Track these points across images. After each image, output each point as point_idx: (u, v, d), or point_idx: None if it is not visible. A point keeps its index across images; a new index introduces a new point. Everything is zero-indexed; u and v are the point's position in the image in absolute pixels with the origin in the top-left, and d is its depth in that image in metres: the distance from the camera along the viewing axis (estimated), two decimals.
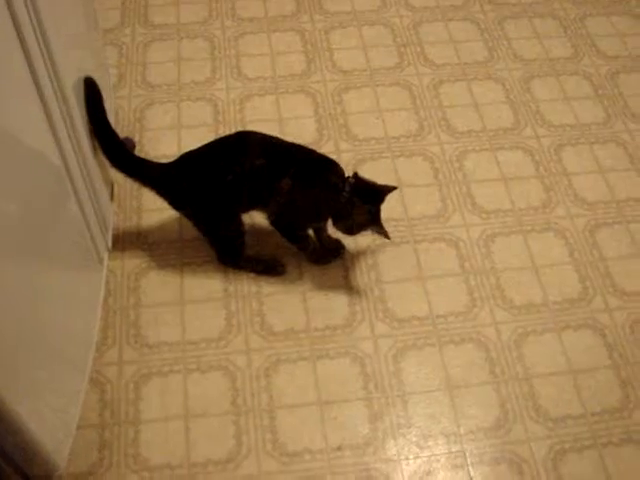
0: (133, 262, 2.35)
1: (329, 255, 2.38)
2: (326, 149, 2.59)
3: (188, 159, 2.19)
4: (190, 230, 2.32)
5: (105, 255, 2.26)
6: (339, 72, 2.91)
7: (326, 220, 2.27)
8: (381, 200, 2.19)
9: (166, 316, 2.24)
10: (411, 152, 2.67)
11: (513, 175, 2.65)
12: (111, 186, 2.38)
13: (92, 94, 2.05)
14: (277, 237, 2.30)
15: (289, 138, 2.23)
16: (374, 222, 2.18)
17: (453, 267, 2.41)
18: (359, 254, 2.38)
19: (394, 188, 2.22)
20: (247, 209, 2.23)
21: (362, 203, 2.15)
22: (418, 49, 3.01)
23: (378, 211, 2.18)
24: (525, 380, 2.18)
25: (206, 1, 3.14)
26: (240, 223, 2.25)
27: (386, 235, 2.17)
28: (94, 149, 2.09)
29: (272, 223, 2.25)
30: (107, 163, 2.18)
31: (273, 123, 2.71)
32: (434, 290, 2.35)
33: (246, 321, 2.25)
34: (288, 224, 2.27)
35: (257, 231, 2.38)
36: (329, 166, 2.20)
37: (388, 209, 2.25)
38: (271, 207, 2.20)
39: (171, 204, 2.23)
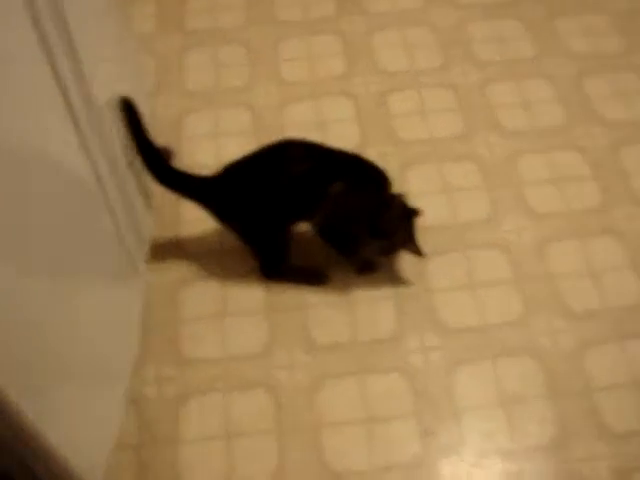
0: (173, 274, 2.26)
1: (372, 265, 2.28)
2: (370, 153, 2.46)
3: (231, 170, 2.10)
4: (230, 240, 2.23)
5: (143, 268, 2.19)
6: (381, 74, 2.80)
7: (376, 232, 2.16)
8: (413, 219, 2.12)
9: (207, 330, 2.15)
10: (458, 155, 2.55)
11: (566, 176, 2.51)
12: (149, 197, 2.31)
13: (131, 114, 2.01)
14: (321, 246, 2.20)
15: (331, 143, 2.13)
16: (411, 241, 2.11)
17: (505, 274, 2.28)
18: (406, 262, 2.26)
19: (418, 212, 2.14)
20: (295, 219, 2.13)
21: (406, 222, 2.10)
22: (464, 48, 2.89)
23: (414, 229, 2.12)
24: (585, 396, 2.04)
25: (243, 6, 3.05)
26: (287, 234, 2.15)
27: (420, 253, 2.12)
28: (130, 161, 2.03)
29: (319, 233, 2.16)
30: (146, 175, 2.12)
31: (314, 128, 2.61)
32: (486, 299, 2.23)
33: (289, 334, 2.15)
34: (336, 233, 2.16)
35: (300, 239, 2.26)
36: (380, 175, 2.11)
37: (435, 216, 2.14)
38: (318, 216, 2.10)
39: (215, 217, 2.15)
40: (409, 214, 2.11)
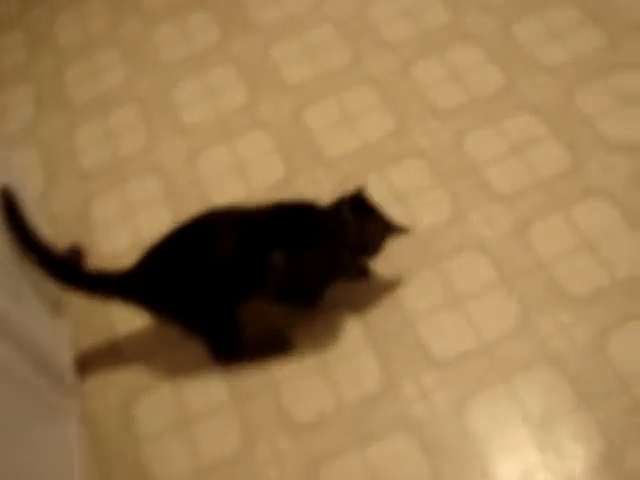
0: (116, 390, 1.92)
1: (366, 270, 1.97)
2: (302, 183, 2.16)
3: (153, 257, 1.77)
4: (172, 332, 1.90)
5: (74, 392, 1.87)
6: (289, 90, 2.46)
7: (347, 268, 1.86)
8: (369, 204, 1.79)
9: (172, 444, 1.81)
10: (399, 154, 2.21)
11: (524, 142, 2.17)
12: (58, 306, 1.97)
13: (11, 210, 1.74)
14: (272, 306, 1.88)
15: (255, 183, 1.81)
16: (390, 228, 1.79)
17: (489, 276, 1.94)
18: (377, 295, 1.93)
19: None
20: (239, 299, 1.79)
21: (369, 216, 1.78)
22: (372, 34, 2.55)
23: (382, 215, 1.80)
24: (623, 393, 1.71)
25: (122, 58, 2.71)
26: (235, 316, 1.81)
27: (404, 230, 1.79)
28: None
29: (279, 302, 1.84)
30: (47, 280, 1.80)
31: (233, 172, 2.27)
32: (476, 312, 1.89)
33: (266, 422, 1.81)
34: (300, 295, 1.85)
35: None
36: (315, 210, 1.78)
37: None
38: (269, 290, 1.77)
39: (149, 311, 1.82)
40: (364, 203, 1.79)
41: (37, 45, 2.85)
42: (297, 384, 1.83)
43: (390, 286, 1.92)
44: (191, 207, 1.91)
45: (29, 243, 1.76)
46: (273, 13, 2.69)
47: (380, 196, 2.00)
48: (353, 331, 1.89)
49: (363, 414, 1.76)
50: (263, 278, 1.71)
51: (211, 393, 1.86)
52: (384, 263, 1.92)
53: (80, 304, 1.99)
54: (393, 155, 2.21)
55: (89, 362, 1.97)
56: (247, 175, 2.24)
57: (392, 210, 1.92)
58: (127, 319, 1.98)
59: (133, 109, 2.53)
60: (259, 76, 2.52)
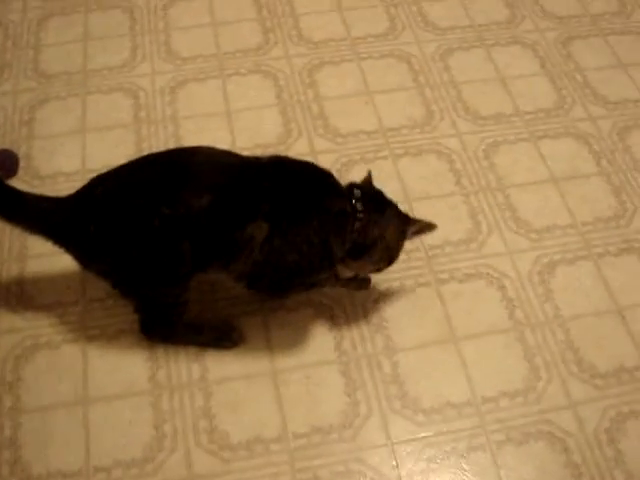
0: (11, 340, 1.49)
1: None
2: (296, 150, 1.76)
3: (98, 189, 1.34)
4: (98, 286, 1.49)
5: None
6: (308, 44, 2.06)
7: (335, 264, 1.43)
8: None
9: (62, 434, 1.40)
10: (419, 148, 1.85)
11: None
12: None
13: None
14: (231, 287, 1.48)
15: (243, 139, 1.42)
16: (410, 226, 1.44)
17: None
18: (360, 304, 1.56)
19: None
20: (198, 269, 1.36)
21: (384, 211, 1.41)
22: (414, 9, 2.18)
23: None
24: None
25: None
26: (183, 288, 1.39)
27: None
28: None
29: (241, 282, 1.42)
30: None
31: (218, 118, 1.86)
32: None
33: (186, 429, 1.40)
34: (275, 285, 1.43)
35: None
36: (320, 182, 1.38)
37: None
38: (237, 267, 1.35)
39: (74, 257, 1.38)
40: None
41: None
42: (236, 389, 1.43)
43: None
44: (160, 145, 1.51)
45: None
46: None
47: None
48: (319, 338, 1.50)
49: (310, 448, 1.37)
50: (234, 251, 1.31)
51: (125, 371, 1.45)
52: None
53: None
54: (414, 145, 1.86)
55: None
56: (236, 125, 1.83)
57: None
58: (47, 254, 1.55)
59: (121, 16, 2.10)
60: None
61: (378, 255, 1.41)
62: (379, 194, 1.42)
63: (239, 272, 1.36)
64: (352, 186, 1.39)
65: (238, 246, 1.29)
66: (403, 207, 1.43)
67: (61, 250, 1.35)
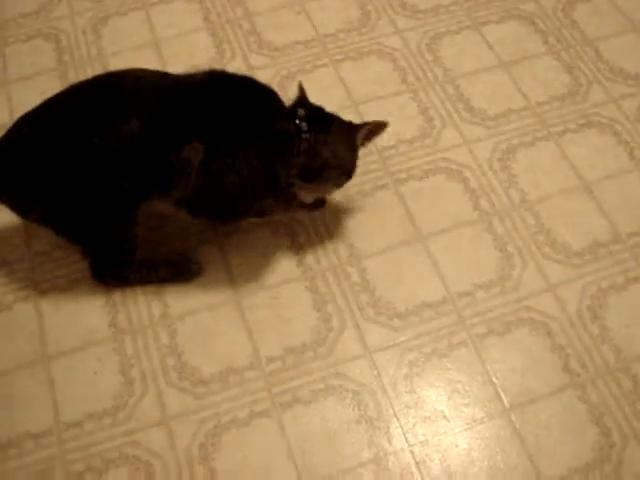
0: None
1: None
2: (232, 69, 1.63)
3: (23, 129, 1.22)
4: (43, 239, 1.38)
5: None
6: None
7: (279, 190, 1.30)
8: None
9: (26, 395, 1.28)
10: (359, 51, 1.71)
11: None
12: None
13: None
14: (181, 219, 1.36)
15: (174, 65, 1.29)
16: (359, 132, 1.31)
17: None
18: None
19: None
20: (135, 200, 1.23)
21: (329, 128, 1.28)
22: None
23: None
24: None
25: None
26: (130, 222, 1.27)
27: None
28: None
29: (190, 215, 1.30)
30: None
31: (147, 50, 1.70)
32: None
33: (155, 370, 1.29)
34: (218, 212, 1.31)
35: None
36: (260, 100, 1.25)
37: None
38: (177, 193, 1.23)
39: (10, 207, 1.26)
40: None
41: None
42: (201, 322, 1.32)
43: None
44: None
45: None
46: None
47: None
48: (285, 258, 1.40)
49: (283, 371, 1.28)
50: (172, 176, 1.19)
51: (83, 321, 1.33)
52: None
53: None
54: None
55: None
56: (166, 54, 1.68)
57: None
58: None
59: None
60: None
61: (334, 174, 1.30)
62: (321, 110, 1.29)
63: (181, 199, 1.24)
64: (295, 105, 1.26)
65: (175, 171, 1.17)
66: (350, 113, 1.32)
67: None
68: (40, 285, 1.39)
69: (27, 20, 1.79)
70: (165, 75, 1.25)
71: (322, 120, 1.26)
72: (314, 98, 1.30)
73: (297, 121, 1.22)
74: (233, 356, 1.30)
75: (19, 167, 1.20)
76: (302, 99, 1.27)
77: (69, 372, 1.29)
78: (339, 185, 1.33)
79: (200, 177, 1.19)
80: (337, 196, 1.45)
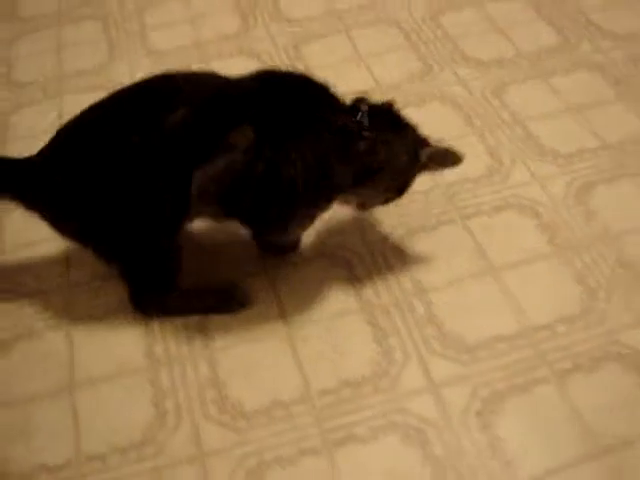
0: None
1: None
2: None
3: (61, 134, 1.16)
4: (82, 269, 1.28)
5: None
6: (290, 21, 1.86)
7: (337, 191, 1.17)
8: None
9: (46, 425, 1.13)
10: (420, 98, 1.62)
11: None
12: None
13: None
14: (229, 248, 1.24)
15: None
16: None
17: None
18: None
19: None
20: (179, 207, 1.11)
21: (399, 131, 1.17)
22: None
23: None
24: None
25: None
26: (174, 241, 1.16)
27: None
28: None
29: (236, 218, 1.18)
30: None
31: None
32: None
33: (191, 402, 1.13)
34: (278, 216, 1.16)
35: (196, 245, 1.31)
36: (317, 92, 1.15)
37: None
38: (222, 185, 1.11)
39: (48, 220, 1.17)
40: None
41: None
42: (247, 355, 1.17)
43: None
44: None
45: None
46: None
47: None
48: (339, 289, 1.25)
49: (334, 406, 1.11)
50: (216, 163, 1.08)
51: (117, 349, 1.19)
52: None
53: None
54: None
55: None
56: None
57: None
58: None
59: (96, 25, 1.94)
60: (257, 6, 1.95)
61: (386, 181, 1.18)
62: (393, 112, 1.18)
63: (228, 203, 1.12)
64: (359, 100, 1.17)
65: (220, 154, 1.07)
66: None
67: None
68: (74, 314, 1.26)
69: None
70: (218, 75, 1.17)
71: (389, 120, 1.15)
72: None
73: (358, 116, 1.12)
74: (280, 389, 1.13)
75: (56, 173, 1.12)
76: (364, 98, 1.17)
77: (96, 402, 1.14)
78: (387, 199, 1.21)
79: (248, 168, 1.09)
80: (399, 230, 1.33)
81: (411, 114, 1.21)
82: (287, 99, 1.11)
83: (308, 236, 1.32)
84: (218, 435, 1.09)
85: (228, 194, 1.10)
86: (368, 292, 1.24)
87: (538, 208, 1.35)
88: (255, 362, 1.17)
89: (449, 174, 1.37)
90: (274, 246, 1.29)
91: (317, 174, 1.11)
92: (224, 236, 1.30)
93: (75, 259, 1.33)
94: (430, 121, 1.53)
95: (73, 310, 1.27)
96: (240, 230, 1.21)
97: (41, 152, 1.16)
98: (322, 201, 1.16)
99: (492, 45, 1.74)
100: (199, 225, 1.26)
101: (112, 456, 1.08)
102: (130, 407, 1.13)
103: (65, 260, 1.34)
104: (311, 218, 1.20)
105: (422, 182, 1.38)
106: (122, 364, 1.18)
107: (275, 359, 1.17)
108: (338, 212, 1.35)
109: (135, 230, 1.13)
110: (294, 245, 1.30)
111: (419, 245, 1.31)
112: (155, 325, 1.23)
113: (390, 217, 1.35)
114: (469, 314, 1.20)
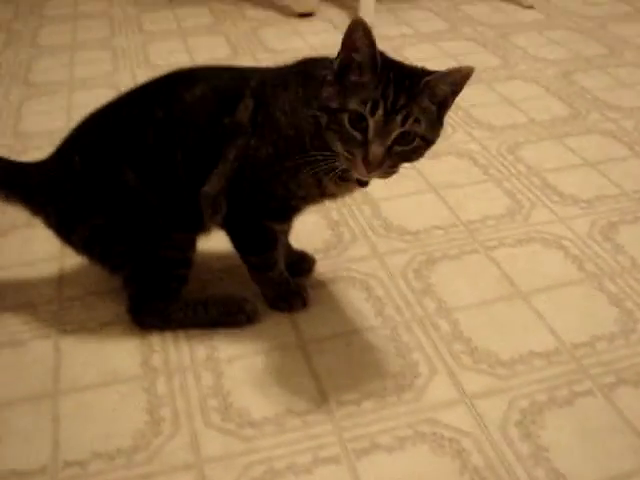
0: None
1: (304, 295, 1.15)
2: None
3: (76, 128, 1.09)
4: (76, 284, 1.15)
5: None
6: None
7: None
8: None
9: (22, 431, 0.95)
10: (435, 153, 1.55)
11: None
12: None
13: None
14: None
15: None
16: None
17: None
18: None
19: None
20: (196, 211, 1.02)
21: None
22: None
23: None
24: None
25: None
26: (189, 250, 1.08)
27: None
28: None
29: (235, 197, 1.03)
30: None
31: None
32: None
33: (191, 410, 0.97)
34: (254, 193, 1.01)
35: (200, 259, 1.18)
36: (318, 61, 1.02)
37: None
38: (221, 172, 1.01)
39: (52, 221, 1.08)
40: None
41: None
42: (255, 366, 1.02)
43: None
44: None
45: None
46: None
47: None
48: (355, 308, 1.12)
49: (351, 415, 0.95)
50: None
51: (112, 358, 1.04)
52: None
53: None
54: None
55: None
56: None
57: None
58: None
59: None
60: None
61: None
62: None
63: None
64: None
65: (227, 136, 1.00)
66: (428, 194, 1.16)
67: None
68: (65, 326, 1.11)
69: None
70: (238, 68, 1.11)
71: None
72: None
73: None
74: (294, 399, 0.97)
75: (74, 157, 1.04)
76: None
77: (81, 408, 0.97)
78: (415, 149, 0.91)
79: (246, 139, 0.99)
80: (419, 257, 1.22)
81: (425, 165, 1.11)
82: (290, 66, 1.03)
83: (322, 263, 1.21)
84: (220, 443, 0.92)
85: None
86: (389, 310, 1.12)
87: (563, 242, 1.25)
88: (264, 373, 1.02)
89: (469, 213, 1.30)
90: (282, 300, 1.16)
91: (300, 128, 0.97)
92: (237, 257, 1.19)
93: (69, 278, 1.20)
94: (445, 171, 1.49)
95: (63, 322, 1.12)
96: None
97: (50, 156, 1.09)
98: (305, 170, 0.96)
99: (505, 114, 1.72)
100: (212, 244, 1.15)
101: (94, 462, 0.90)
102: (120, 415, 0.97)
103: (58, 278, 1.21)
104: (295, 181, 1.00)
105: (442, 218, 1.31)
106: (114, 372, 1.03)
107: (287, 370, 1.02)
108: (352, 239, 1.27)
109: (150, 225, 1.03)
110: (303, 301, 1.15)
111: (442, 270, 1.20)
112: (154, 337, 1.08)
113: (408, 246, 1.25)
114: (500, 332, 1.07)
